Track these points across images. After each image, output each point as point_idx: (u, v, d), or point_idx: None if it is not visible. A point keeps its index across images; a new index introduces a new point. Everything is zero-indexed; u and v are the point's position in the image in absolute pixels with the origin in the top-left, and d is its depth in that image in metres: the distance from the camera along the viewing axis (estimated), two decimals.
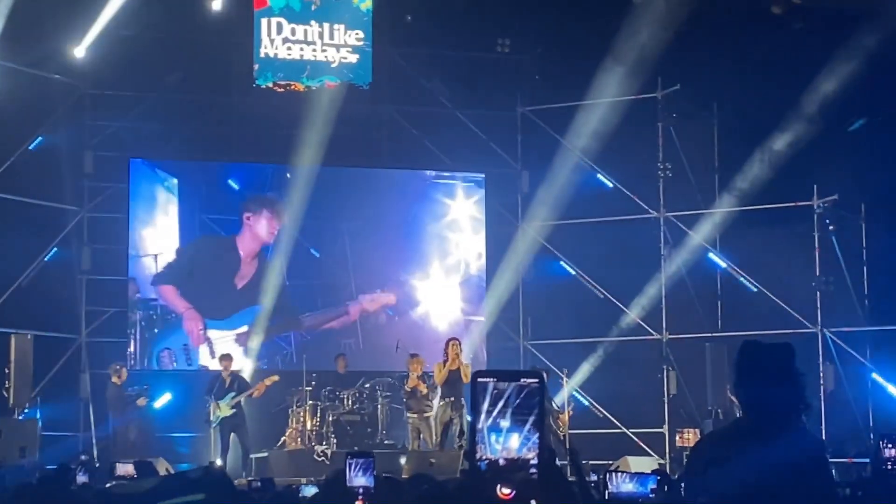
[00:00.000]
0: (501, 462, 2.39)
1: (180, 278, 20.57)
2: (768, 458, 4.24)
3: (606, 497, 5.24)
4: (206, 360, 20.26)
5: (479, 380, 2.43)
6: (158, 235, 20.49)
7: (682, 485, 5.79)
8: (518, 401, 2.41)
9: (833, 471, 4.67)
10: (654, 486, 5.57)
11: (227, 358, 18.86)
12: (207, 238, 20.94)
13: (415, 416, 17.78)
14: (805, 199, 20.05)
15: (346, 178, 21.36)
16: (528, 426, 2.40)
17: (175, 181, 20.73)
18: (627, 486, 5.41)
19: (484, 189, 21.77)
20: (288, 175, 20.67)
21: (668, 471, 17.21)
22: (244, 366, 19.93)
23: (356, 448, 16.32)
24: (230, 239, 20.82)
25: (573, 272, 21.51)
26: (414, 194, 21.70)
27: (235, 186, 21.17)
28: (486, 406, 2.42)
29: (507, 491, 2.38)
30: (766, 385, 4.40)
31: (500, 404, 2.41)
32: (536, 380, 2.42)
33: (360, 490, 5.14)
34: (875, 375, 19.79)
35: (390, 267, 21.36)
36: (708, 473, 4.37)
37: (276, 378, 18.74)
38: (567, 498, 2.39)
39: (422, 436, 17.66)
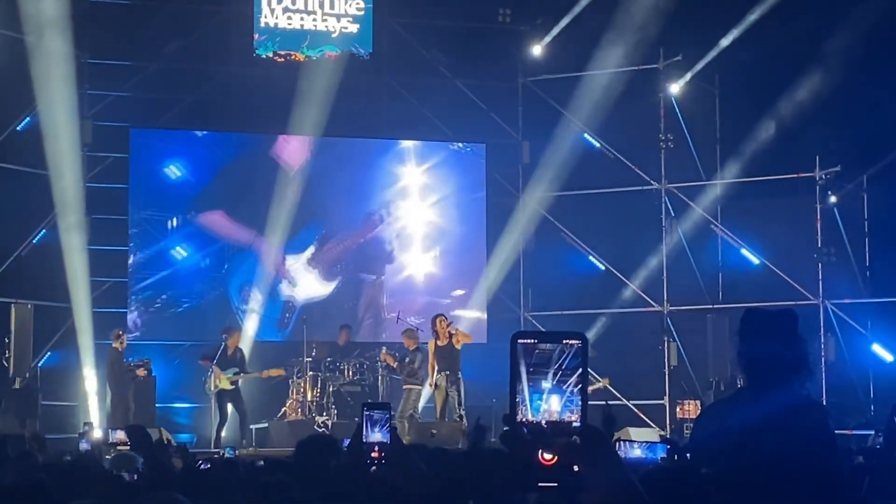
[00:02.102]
0: (543, 424, 2.33)
1: (225, 201, 20.56)
2: (772, 426, 4.20)
3: None
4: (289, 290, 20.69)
5: (520, 341, 2.36)
6: None
7: (688, 454, 5.77)
8: (560, 362, 2.35)
9: (836, 439, 4.62)
10: (664, 455, 5.55)
11: (233, 330, 18.76)
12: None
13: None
14: (807, 171, 20.00)
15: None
16: (570, 388, 2.34)
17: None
18: (636, 452, 5.39)
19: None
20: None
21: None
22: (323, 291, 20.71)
23: (356, 419, 16.31)
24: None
25: (574, 243, 21.46)
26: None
27: None
28: (526, 368, 2.36)
29: (549, 456, 2.32)
30: (769, 352, 4.36)
31: (542, 366, 2.35)
32: (580, 341, 2.35)
33: (376, 446, 5.13)
34: (876, 347, 19.78)
35: None
36: (712, 442, 4.34)
37: (282, 372, 18.70)
38: (611, 463, 2.33)
39: (401, 405, 17.96)
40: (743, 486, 4.09)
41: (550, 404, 2.35)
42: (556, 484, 2.31)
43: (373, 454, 5.22)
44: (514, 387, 2.36)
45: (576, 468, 2.31)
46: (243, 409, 18.19)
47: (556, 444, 2.32)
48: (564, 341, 2.36)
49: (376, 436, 5.24)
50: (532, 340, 2.37)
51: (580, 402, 2.34)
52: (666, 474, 4.06)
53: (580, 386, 2.35)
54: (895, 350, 19.64)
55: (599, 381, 18.46)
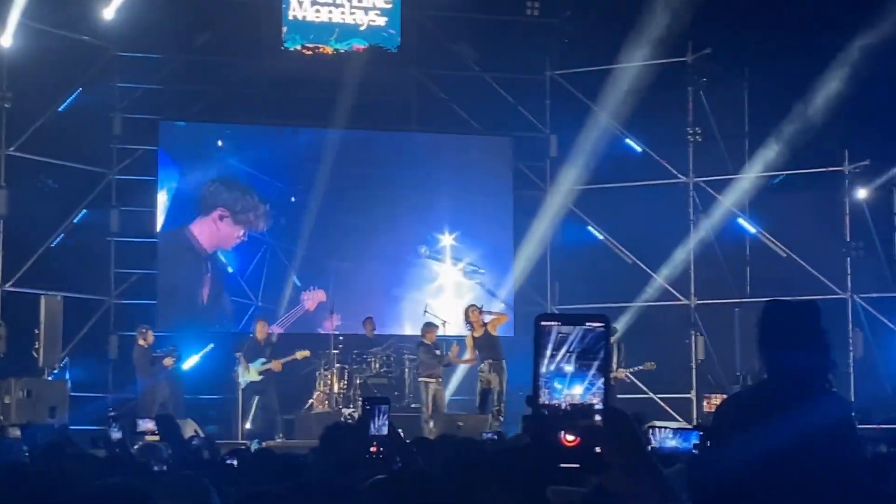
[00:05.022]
0: (565, 407, 2.34)
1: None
2: (793, 420, 4.16)
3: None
4: None
5: (543, 323, 2.36)
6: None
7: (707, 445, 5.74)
8: (583, 345, 2.35)
9: (858, 433, 4.58)
10: (696, 442, 5.52)
11: (257, 320, 18.91)
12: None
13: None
14: (836, 165, 19.92)
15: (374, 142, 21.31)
16: (592, 371, 2.34)
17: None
18: (671, 443, 5.37)
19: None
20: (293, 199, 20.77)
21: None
22: None
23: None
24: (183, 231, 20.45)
25: (601, 237, 21.44)
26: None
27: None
28: (549, 351, 2.36)
29: (571, 438, 2.32)
30: (790, 345, 4.31)
31: (564, 349, 2.35)
32: (602, 324, 2.35)
33: (375, 441, 5.14)
34: None
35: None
36: (733, 436, 4.29)
37: (307, 353, 18.68)
38: (633, 445, 2.33)
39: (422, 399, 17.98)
40: (764, 480, 4.08)
41: (573, 387, 2.35)
42: (577, 465, 2.32)
43: (371, 448, 5.21)
44: (537, 369, 2.36)
45: (598, 450, 2.31)
46: (274, 403, 18.25)
47: (579, 426, 2.32)
48: (587, 323, 2.36)
49: (382, 429, 5.25)
50: (555, 323, 2.37)
51: (602, 385, 2.34)
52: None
53: (603, 368, 2.35)
54: None
55: (646, 365, 18.64)
